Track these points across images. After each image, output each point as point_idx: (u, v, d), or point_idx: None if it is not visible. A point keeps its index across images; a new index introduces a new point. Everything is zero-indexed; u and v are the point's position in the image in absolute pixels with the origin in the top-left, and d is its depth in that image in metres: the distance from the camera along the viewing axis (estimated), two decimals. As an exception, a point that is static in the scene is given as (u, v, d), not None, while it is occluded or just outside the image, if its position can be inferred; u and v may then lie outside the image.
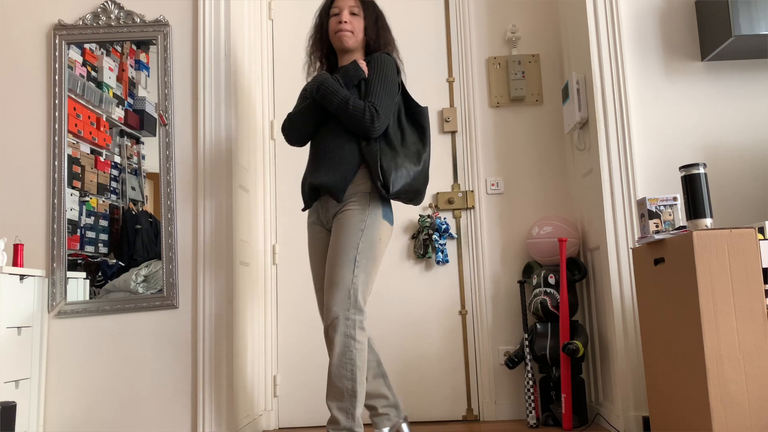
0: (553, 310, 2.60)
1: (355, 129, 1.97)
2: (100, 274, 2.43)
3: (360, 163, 2.00)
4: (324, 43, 2.16)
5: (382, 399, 2.17)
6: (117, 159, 2.50)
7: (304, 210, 2.14)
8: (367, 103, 1.96)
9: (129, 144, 2.50)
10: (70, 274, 2.41)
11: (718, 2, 2.35)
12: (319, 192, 2.06)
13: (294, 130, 2.07)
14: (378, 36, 2.12)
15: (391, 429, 2.19)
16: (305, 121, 2.04)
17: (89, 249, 2.44)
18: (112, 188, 2.48)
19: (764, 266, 1.77)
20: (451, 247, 2.92)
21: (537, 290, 2.67)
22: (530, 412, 2.60)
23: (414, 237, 2.91)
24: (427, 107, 2.15)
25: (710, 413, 1.66)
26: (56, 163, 2.46)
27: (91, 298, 2.41)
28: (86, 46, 2.54)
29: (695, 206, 1.85)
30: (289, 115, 2.11)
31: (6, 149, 2.50)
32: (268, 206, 2.97)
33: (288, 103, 3.05)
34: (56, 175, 2.45)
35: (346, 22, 2.06)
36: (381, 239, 1.99)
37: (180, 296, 2.40)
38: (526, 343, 2.66)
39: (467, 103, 2.99)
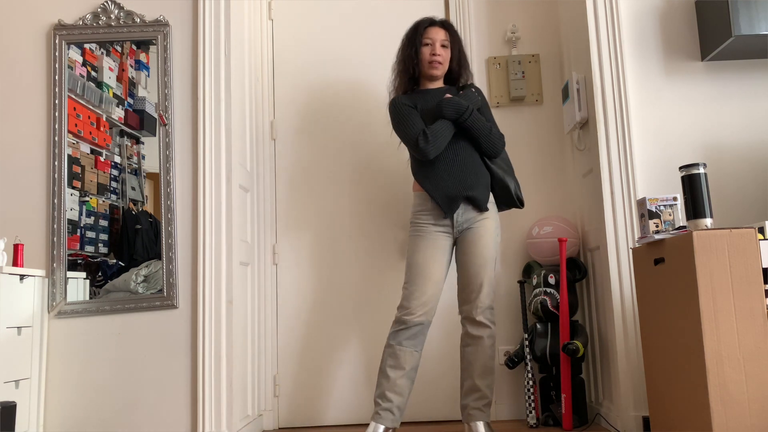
0: (553, 310, 2.60)
1: (489, 151, 2.34)
2: (100, 274, 2.43)
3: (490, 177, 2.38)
4: (416, 67, 2.40)
5: (402, 398, 2.29)
6: (117, 159, 2.50)
7: (446, 217, 2.31)
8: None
9: (129, 144, 2.50)
10: (70, 274, 2.41)
11: (718, 2, 2.35)
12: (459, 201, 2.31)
13: (439, 145, 2.26)
14: (461, 66, 2.43)
15: (386, 430, 2.26)
16: (447, 138, 2.28)
17: (89, 249, 2.44)
18: (112, 188, 2.48)
19: (764, 266, 1.77)
20: (451, 247, 2.92)
21: (537, 290, 2.67)
22: (530, 412, 2.60)
23: (414, 237, 2.91)
24: None
25: (710, 413, 1.66)
26: (56, 163, 2.46)
27: (91, 298, 2.41)
28: (86, 46, 2.54)
29: (695, 206, 1.85)
30: (430, 131, 2.26)
31: (6, 149, 2.49)
32: (268, 206, 2.97)
33: (287, 102, 3.05)
34: (56, 174, 2.45)
35: (439, 54, 2.36)
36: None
37: (180, 296, 2.40)
38: (526, 343, 2.66)
39: (467, 103, 2.98)
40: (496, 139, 2.33)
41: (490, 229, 2.33)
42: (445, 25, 2.42)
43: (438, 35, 2.38)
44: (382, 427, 2.25)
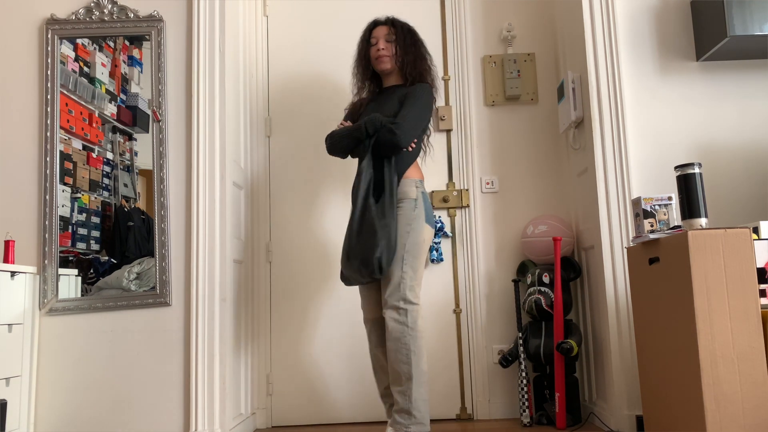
0: (548, 309, 2.60)
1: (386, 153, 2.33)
2: (92, 271, 2.41)
3: None
4: (368, 68, 2.49)
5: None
6: (109, 155, 2.48)
7: None
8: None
9: (121, 140, 2.48)
10: (61, 271, 2.39)
11: (713, 2, 2.35)
12: None
13: (334, 146, 2.37)
14: (413, 59, 2.42)
15: None
16: (342, 144, 2.35)
17: (81, 246, 2.42)
18: (104, 185, 2.46)
19: (758, 266, 1.78)
20: (445, 245, 2.92)
21: (531, 289, 2.67)
22: (524, 411, 2.60)
23: (408, 235, 2.90)
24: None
25: (704, 412, 1.66)
26: (48, 159, 2.43)
27: (83, 295, 2.39)
28: (79, 41, 2.52)
29: (690, 206, 1.85)
30: (331, 134, 2.39)
31: (-3, 145, 2.47)
32: (263, 203, 2.96)
33: (282, 99, 3.04)
34: (48, 171, 2.43)
35: (383, 48, 2.42)
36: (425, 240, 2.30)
37: (173, 294, 2.38)
38: (520, 341, 2.66)
39: (462, 102, 2.98)
40: (383, 140, 2.25)
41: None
42: (388, 22, 2.48)
43: (381, 32, 2.45)
44: None
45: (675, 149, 2.47)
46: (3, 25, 2.53)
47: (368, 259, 2.15)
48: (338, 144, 2.34)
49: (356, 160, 2.47)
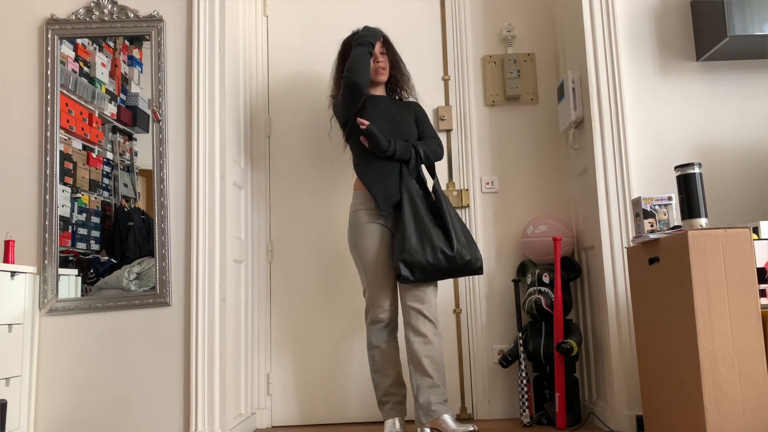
0: (548, 309, 2.60)
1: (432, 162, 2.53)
2: (92, 271, 2.41)
3: None
4: None
5: (405, 388, 2.48)
6: (109, 155, 2.48)
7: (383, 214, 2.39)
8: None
9: (121, 140, 2.48)
10: (61, 271, 2.39)
11: (713, 2, 2.35)
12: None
13: (357, 70, 2.35)
14: (397, 72, 2.56)
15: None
16: (363, 65, 2.37)
17: (81, 246, 2.42)
18: (104, 185, 2.46)
19: (758, 266, 1.78)
20: (445, 245, 2.91)
21: (531, 289, 2.67)
22: (524, 411, 2.60)
23: (408, 235, 2.90)
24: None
25: (704, 412, 1.66)
26: (48, 159, 2.43)
27: (83, 295, 2.39)
28: (79, 41, 2.52)
29: (690, 206, 1.85)
30: (346, 67, 2.37)
31: (-3, 145, 2.47)
32: (263, 203, 2.96)
33: (282, 99, 3.04)
34: (48, 171, 2.43)
35: (381, 61, 2.50)
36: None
37: (173, 294, 2.38)
38: (520, 341, 2.66)
39: (462, 102, 2.98)
40: (436, 151, 2.49)
41: None
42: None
43: (377, 44, 2.49)
44: (398, 420, 2.38)
45: (675, 149, 2.47)
46: (3, 25, 2.53)
47: (477, 257, 2.32)
48: (357, 65, 2.35)
49: (347, 158, 2.56)
